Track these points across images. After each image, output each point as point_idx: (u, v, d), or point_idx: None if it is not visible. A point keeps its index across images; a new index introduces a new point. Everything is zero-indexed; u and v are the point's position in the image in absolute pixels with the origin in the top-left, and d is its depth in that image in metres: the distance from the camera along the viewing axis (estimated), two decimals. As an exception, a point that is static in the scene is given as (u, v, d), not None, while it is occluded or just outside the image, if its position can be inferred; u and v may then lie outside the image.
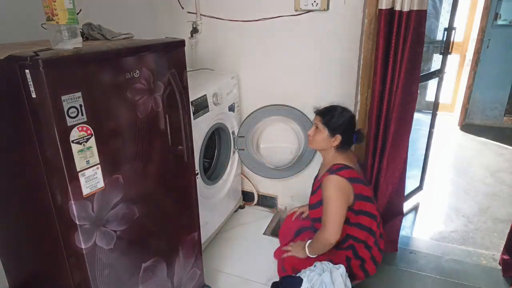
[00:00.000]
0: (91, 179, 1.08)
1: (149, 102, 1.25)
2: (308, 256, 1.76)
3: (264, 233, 2.41)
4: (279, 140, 2.42)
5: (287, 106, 2.29)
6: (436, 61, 2.80)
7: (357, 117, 2.13)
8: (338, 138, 1.73)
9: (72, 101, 0.99)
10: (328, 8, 2.02)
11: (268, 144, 2.47)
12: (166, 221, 1.47)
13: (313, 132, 1.79)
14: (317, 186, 1.79)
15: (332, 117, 1.74)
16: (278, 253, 1.90)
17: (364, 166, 2.14)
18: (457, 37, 2.54)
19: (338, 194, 1.65)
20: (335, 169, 1.69)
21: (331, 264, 1.78)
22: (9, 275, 1.51)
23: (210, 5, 2.29)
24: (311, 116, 2.27)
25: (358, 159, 1.88)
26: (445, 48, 2.48)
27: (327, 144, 1.76)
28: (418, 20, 1.79)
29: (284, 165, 2.39)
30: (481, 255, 2.23)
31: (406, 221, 2.56)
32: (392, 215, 2.18)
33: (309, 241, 1.77)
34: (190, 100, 1.73)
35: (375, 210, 1.79)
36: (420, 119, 3.34)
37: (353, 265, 1.78)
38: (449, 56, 2.52)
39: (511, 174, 3.28)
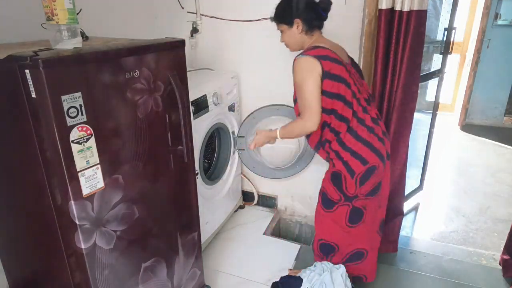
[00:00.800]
0: (91, 179, 1.08)
1: (149, 102, 1.25)
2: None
3: (264, 233, 2.41)
4: (279, 140, 2.42)
5: (287, 106, 2.29)
6: (436, 61, 2.80)
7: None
8: (299, 22, 1.62)
9: (72, 101, 0.99)
10: (328, 8, 2.02)
11: (268, 144, 2.46)
12: (166, 221, 1.47)
13: (281, 38, 1.71)
14: None
15: (280, 10, 1.67)
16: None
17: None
18: (457, 37, 2.54)
19: (307, 75, 1.52)
20: (303, 52, 1.59)
21: (331, 264, 1.79)
22: (9, 275, 1.51)
23: (210, 5, 2.29)
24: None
25: (346, 53, 1.72)
26: (445, 48, 2.49)
27: (296, 37, 1.65)
28: (418, 20, 1.79)
29: (284, 165, 2.39)
30: (481, 255, 2.23)
31: (406, 221, 2.56)
32: (392, 215, 2.18)
33: (281, 126, 1.69)
34: (190, 100, 1.73)
35: (350, 95, 1.57)
36: (420, 119, 3.34)
37: (336, 165, 1.64)
38: (449, 56, 2.52)
39: (511, 174, 3.28)
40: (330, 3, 1.66)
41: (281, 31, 1.69)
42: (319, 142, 1.69)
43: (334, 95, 1.55)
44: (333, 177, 1.67)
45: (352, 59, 1.75)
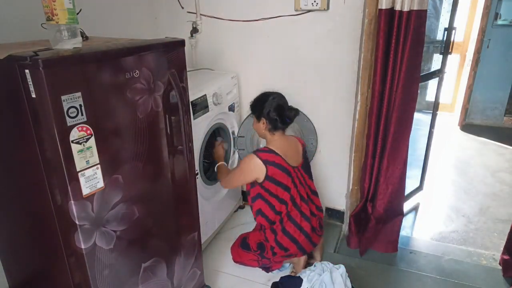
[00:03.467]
0: (91, 179, 1.08)
1: (149, 102, 1.25)
2: None
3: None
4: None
5: (287, 106, 2.29)
6: (436, 61, 2.80)
7: (357, 117, 2.13)
8: (264, 121, 1.89)
9: (72, 101, 0.99)
10: (328, 8, 2.02)
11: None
12: (166, 221, 1.47)
13: (253, 123, 1.98)
14: None
15: (253, 104, 1.95)
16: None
17: (364, 166, 2.14)
18: (457, 37, 2.54)
19: (245, 169, 1.87)
20: (258, 150, 1.89)
21: (331, 264, 1.79)
22: (9, 275, 1.51)
23: (210, 5, 2.29)
24: (312, 116, 2.28)
25: (302, 145, 2.01)
26: (445, 48, 2.48)
27: (261, 130, 1.93)
28: (418, 20, 1.79)
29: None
30: (481, 255, 2.23)
31: (406, 221, 2.56)
32: (392, 215, 2.18)
33: (220, 164, 2.12)
34: (190, 100, 1.73)
35: (287, 197, 1.86)
36: (420, 119, 3.34)
37: (265, 243, 1.94)
38: (449, 56, 2.52)
39: (511, 174, 3.28)
40: (297, 114, 1.93)
41: (253, 119, 1.98)
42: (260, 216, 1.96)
43: (272, 193, 1.85)
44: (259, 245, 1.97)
45: (305, 159, 2.00)
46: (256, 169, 1.82)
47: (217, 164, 2.12)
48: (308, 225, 1.90)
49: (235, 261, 2.09)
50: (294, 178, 1.88)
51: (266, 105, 1.87)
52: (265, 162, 1.81)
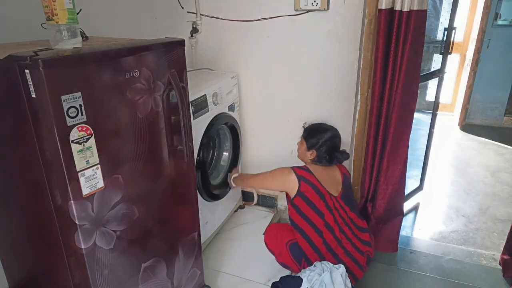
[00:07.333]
0: (91, 179, 1.08)
1: (149, 102, 1.25)
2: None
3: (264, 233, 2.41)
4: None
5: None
6: (436, 61, 2.81)
7: (357, 117, 2.13)
8: (314, 153, 1.89)
9: (72, 101, 0.99)
10: (328, 8, 2.02)
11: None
12: (166, 221, 1.47)
13: (299, 143, 1.99)
14: None
15: (310, 133, 1.93)
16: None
17: (364, 166, 2.14)
18: (457, 37, 2.54)
19: (277, 176, 1.86)
20: (296, 166, 1.85)
21: (330, 264, 1.79)
22: (9, 275, 1.51)
23: (210, 5, 2.29)
24: (312, 116, 2.27)
25: (343, 174, 1.94)
26: (445, 48, 2.48)
27: (305, 157, 1.93)
28: (418, 20, 1.79)
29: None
30: (481, 255, 2.23)
31: (406, 221, 2.56)
32: (392, 215, 2.18)
33: (236, 175, 2.14)
34: (190, 100, 1.73)
35: (321, 224, 1.77)
36: (420, 119, 3.34)
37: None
38: (449, 56, 2.52)
39: (511, 174, 3.28)
40: (347, 158, 1.93)
41: (300, 141, 1.97)
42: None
43: (303, 214, 1.79)
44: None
45: (346, 189, 1.91)
46: (290, 182, 1.80)
47: (237, 174, 2.14)
48: (351, 262, 1.79)
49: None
50: (330, 206, 1.80)
51: (322, 140, 1.87)
52: (299, 177, 1.79)
